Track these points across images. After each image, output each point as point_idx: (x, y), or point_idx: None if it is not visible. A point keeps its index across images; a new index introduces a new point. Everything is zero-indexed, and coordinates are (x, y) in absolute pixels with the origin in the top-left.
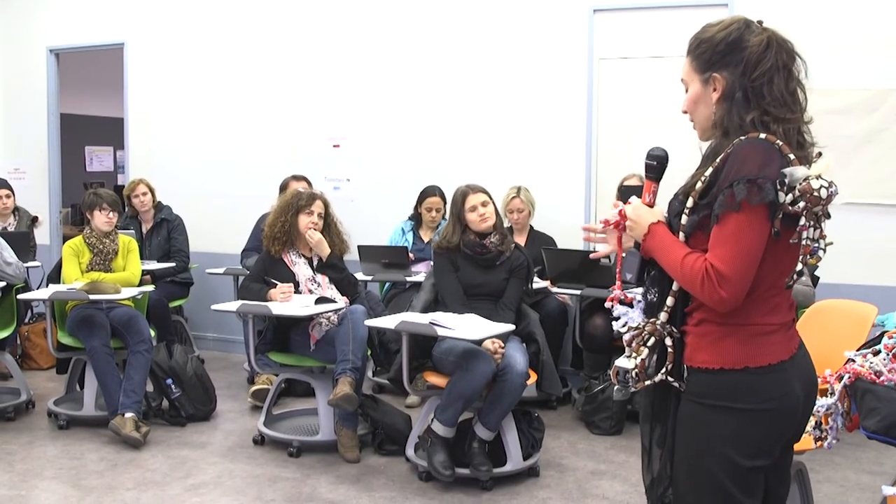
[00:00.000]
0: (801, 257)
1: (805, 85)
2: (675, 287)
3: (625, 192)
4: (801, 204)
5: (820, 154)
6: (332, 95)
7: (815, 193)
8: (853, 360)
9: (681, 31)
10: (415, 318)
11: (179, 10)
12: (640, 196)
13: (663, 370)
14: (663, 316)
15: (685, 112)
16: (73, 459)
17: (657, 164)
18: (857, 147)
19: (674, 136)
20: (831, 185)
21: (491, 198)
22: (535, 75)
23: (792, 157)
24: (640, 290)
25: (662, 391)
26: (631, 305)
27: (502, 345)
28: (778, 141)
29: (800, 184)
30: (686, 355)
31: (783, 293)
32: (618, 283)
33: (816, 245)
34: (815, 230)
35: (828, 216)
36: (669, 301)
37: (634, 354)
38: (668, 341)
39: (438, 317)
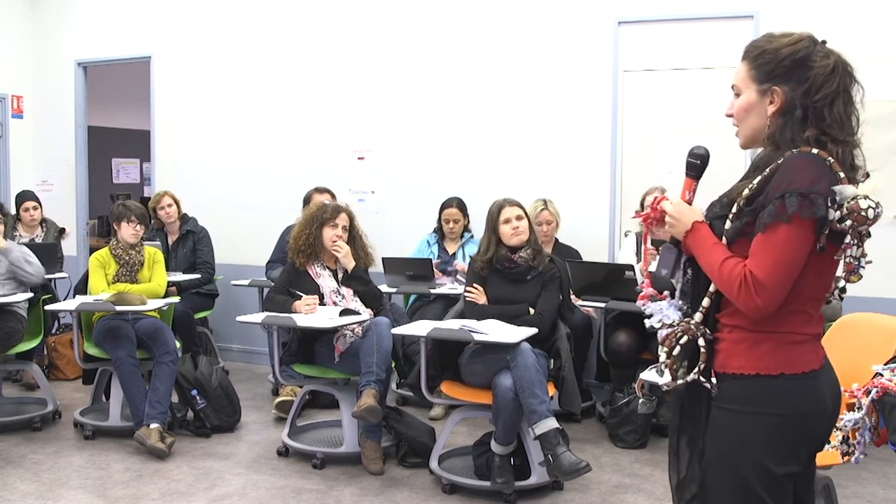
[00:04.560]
0: (844, 274)
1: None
2: (711, 288)
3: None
4: (848, 222)
5: (867, 175)
6: (356, 108)
7: (862, 213)
8: (881, 375)
9: (705, 43)
10: (446, 324)
11: (206, 24)
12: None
13: (695, 371)
14: (698, 316)
15: (729, 116)
16: (99, 470)
17: (701, 164)
18: (885, 159)
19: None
20: (878, 205)
21: (526, 213)
22: (559, 87)
23: (842, 175)
24: (676, 286)
25: (694, 395)
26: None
27: None
28: (830, 158)
29: (847, 202)
30: (718, 362)
31: (818, 306)
32: (645, 280)
33: (857, 263)
34: (857, 248)
35: (868, 235)
36: (705, 302)
37: (665, 350)
38: (702, 342)
39: (470, 323)
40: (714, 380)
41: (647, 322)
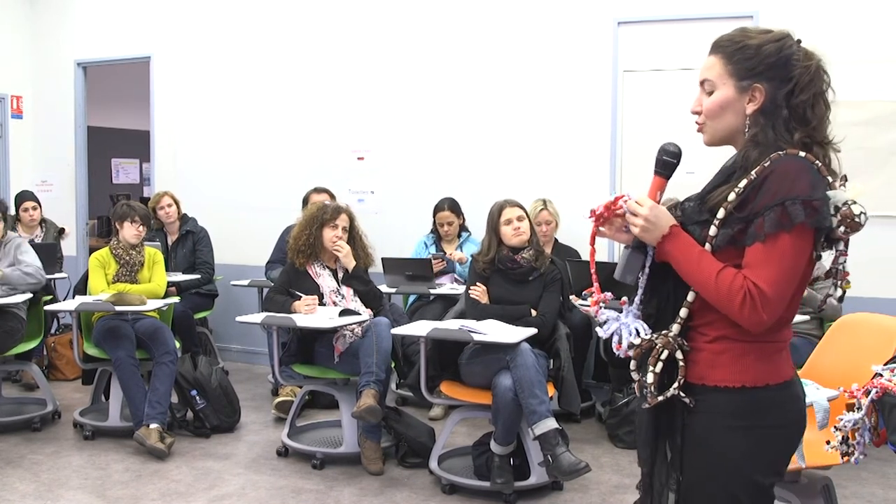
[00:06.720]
0: (838, 282)
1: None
2: (690, 298)
3: None
4: (841, 229)
5: (845, 179)
6: (356, 108)
7: (856, 219)
8: (881, 375)
9: (705, 43)
10: (445, 325)
11: (205, 24)
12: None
13: (675, 385)
14: (676, 328)
15: (696, 113)
16: (99, 470)
17: (677, 163)
18: (885, 159)
19: (696, 148)
20: (864, 211)
21: (527, 213)
22: (559, 88)
23: (829, 179)
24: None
25: (669, 408)
26: (618, 310)
27: None
28: (817, 162)
29: (841, 208)
30: (697, 373)
31: (796, 311)
32: (595, 284)
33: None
34: (844, 255)
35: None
36: (683, 313)
37: (651, 368)
38: (679, 355)
39: (469, 323)
40: (681, 393)
41: (601, 331)
